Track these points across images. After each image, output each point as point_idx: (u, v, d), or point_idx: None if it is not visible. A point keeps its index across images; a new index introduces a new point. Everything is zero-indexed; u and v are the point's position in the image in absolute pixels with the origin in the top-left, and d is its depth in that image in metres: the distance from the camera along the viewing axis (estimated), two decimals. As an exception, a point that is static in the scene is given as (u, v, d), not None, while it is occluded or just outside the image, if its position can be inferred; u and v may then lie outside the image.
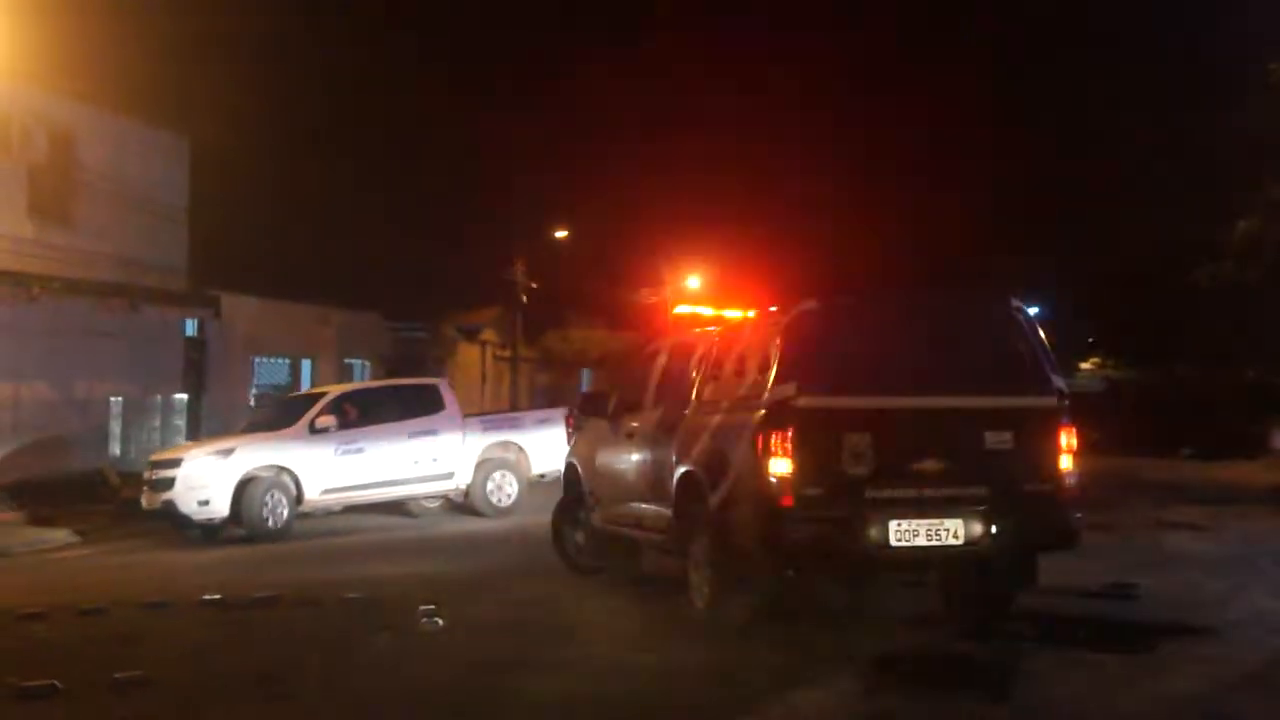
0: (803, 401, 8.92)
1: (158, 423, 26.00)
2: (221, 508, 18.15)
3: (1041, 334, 9.57)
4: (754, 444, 9.14)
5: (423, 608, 10.79)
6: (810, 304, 9.41)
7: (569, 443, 18.97)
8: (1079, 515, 9.35)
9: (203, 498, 18.13)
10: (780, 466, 8.90)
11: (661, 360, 12.02)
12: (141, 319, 24.66)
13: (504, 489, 20.13)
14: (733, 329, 10.97)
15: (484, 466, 20.02)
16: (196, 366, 26.61)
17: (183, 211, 27.36)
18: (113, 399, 24.86)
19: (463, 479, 19.82)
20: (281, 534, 18.27)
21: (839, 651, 8.93)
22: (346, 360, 33.04)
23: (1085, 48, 48.43)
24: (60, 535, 19.39)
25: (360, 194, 32.90)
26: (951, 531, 8.94)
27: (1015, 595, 9.87)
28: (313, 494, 18.72)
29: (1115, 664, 8.41)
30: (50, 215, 23.83)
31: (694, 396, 10.76)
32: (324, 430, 18.87)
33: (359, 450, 19.07)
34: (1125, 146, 36.09)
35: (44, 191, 23.76)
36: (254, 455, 18.49)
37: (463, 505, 20.28)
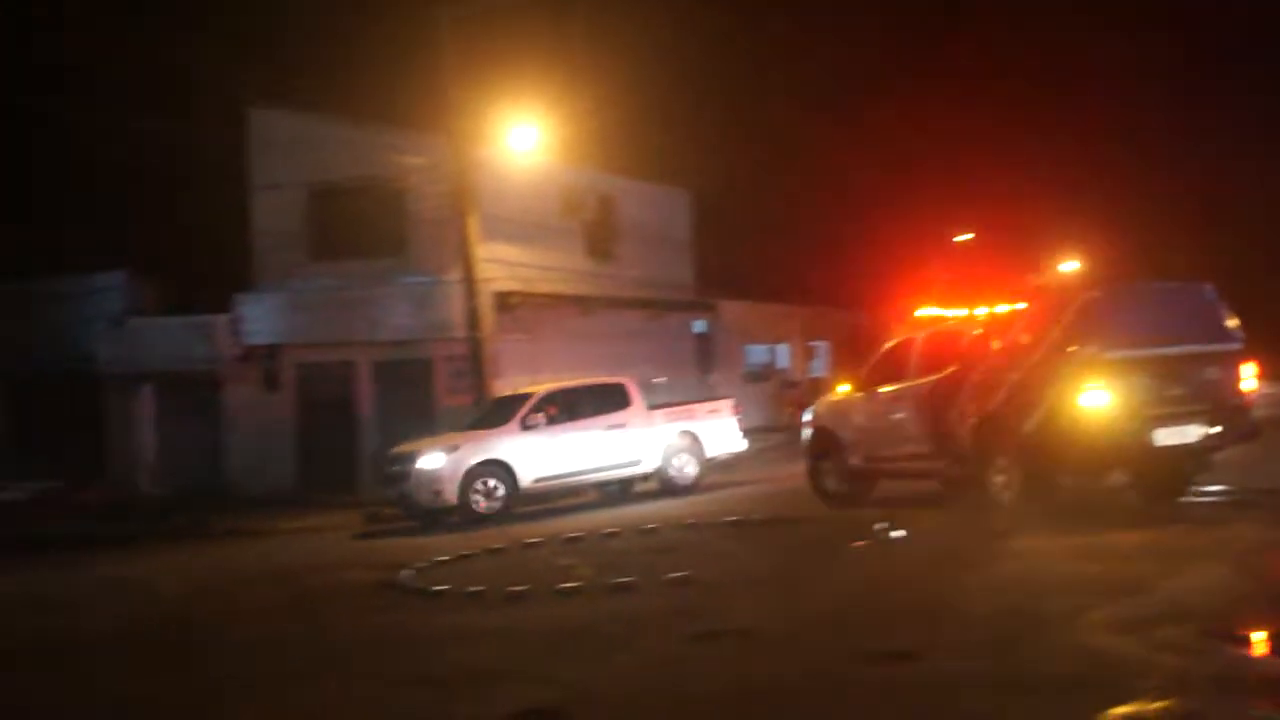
0: (1106, 354, 10.33)
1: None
2: (450, 497, 16.25)
3: (1225, 307, 10.98)
4: (1069, 385, 10.36)
5: (877, 525, 10.81)
6: (1094, 291, 11.11)
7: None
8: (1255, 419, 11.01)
9: (435, 489, 16.26)
10: (1093, 397, 10.27)
11: (918, 346, 12.82)
12: (663, 323, 25.73)
13: (685, 470, 17.83)
14: (1007, 316, 11.80)
15: (666, 451, 17.76)
16: (703, 355, 27.45)
17: (687, 243, 28.33)
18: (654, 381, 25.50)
19: (650, 464, 17.68)
20: (497, 519, 16.03)
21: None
22: (809, 342, 33.24)
23: None
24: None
25: (815, 211, 33.01)
26: (1190, 434, 10.48)
27: (1191, 479, 11.26)
28: (526, 482, 16.65)
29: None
30: (599, 254, 25.17)
31: (971, 365, 11.70)
32: (533, 426, 16.90)
33: (562, 443, 17.04)
34: None
35: (595, 238, 25.15)
36: (475, 450, 16.52)
37: (637, 490, 18.11)
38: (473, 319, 20.05)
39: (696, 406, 18.90)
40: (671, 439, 17.88)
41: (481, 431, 17.18)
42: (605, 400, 17.87)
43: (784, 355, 31.77)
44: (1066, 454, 10.46)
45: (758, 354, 30.71)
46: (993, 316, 11.97)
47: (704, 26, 29.18)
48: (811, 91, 32.82)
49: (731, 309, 28.60)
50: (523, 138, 20.45)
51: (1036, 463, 10.65)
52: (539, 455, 16.85)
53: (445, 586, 10.17)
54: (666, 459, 17.77)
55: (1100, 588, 7.54)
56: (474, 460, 16.43)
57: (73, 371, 22.40)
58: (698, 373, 26.75)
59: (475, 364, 20.14)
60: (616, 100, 22.62)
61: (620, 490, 18.07)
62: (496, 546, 12.77)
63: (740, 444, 18.81)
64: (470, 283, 20.04)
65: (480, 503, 16.31)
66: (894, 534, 10.54)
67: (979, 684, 5.77)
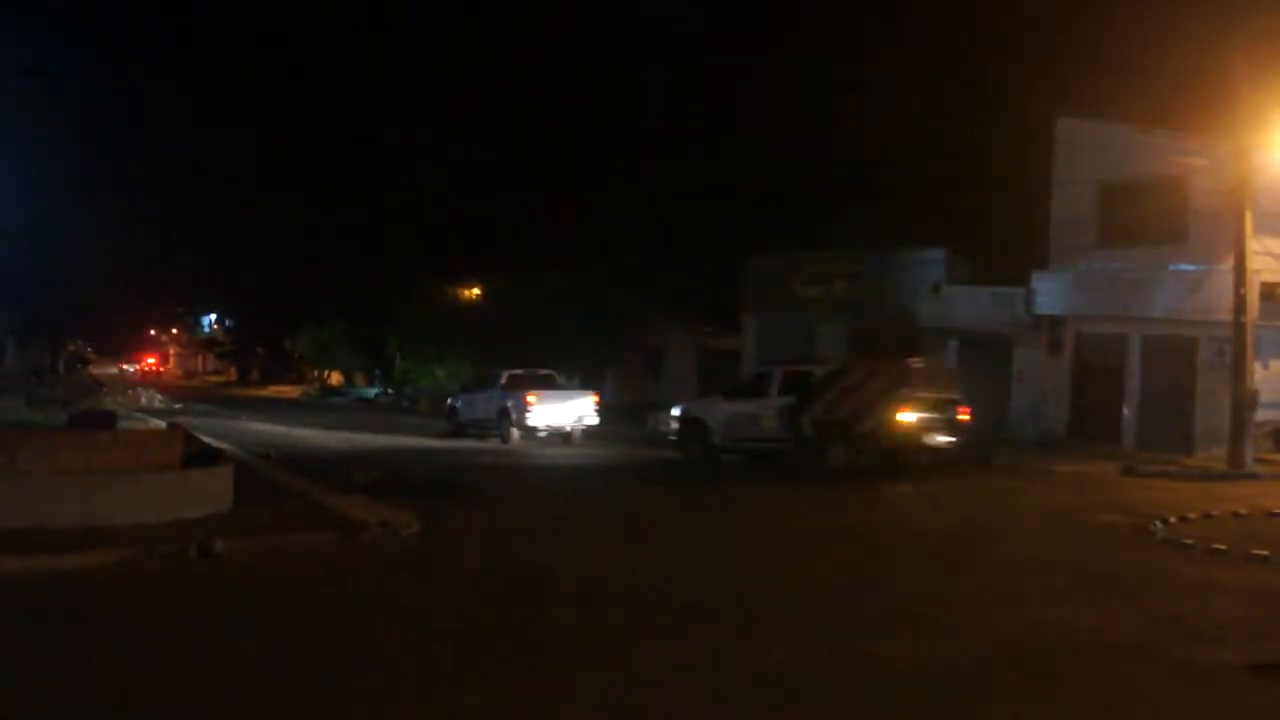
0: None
1: None
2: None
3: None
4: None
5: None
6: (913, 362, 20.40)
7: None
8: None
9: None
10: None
11: (777, 377, 22.05)
12: None
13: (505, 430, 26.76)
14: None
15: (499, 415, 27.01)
16: None
17: None
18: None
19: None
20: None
21: None
22: None
23: None
24: None
25: None
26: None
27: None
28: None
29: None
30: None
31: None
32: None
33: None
34: None
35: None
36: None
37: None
38: (1239, 305, 21.61)
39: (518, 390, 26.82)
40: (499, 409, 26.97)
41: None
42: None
43: None
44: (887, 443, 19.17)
45: None
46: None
47: None
48: None
49: None
50: (1303, 141, 21.32)
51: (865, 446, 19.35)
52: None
53: (1190, 541, 11.04)
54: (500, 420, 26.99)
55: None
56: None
57: (900, 325, 27.93)
58: None
59: (1238, 346, 21.75)
60: None
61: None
62: (1241, 511, 13.68)
63: (544, 422, 26.43)
64: (1240, 272, 21.55)
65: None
66: None
67: None
